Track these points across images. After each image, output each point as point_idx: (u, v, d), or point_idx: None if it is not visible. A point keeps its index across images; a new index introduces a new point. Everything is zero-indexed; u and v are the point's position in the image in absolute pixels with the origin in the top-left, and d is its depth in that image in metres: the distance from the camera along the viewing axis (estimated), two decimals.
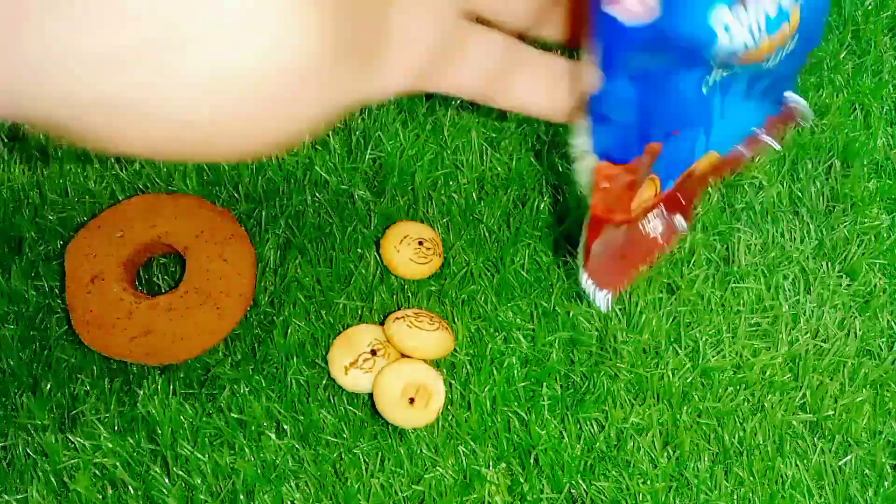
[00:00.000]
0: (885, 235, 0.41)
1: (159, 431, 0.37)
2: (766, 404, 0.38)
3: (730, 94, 0.32)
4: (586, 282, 0.33)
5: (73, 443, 0.37)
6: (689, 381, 0.38)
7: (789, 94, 0.38)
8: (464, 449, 0.37)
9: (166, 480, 0.37)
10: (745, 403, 0.38)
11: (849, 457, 0.37)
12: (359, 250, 0.41)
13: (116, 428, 0.38)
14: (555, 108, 0.32)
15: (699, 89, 0.30)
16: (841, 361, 0.39)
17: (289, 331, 0.39)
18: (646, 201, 0.34)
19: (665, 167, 0.33)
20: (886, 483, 0.37)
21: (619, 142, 0.30)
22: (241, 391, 0.38)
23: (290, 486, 0.37)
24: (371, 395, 0.38)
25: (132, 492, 0.36)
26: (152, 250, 0.41)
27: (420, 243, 0.40)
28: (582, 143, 0.31)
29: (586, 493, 0.37)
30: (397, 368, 0.37)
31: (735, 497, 0.37)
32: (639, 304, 0.40)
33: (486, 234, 0.42)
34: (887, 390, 0.38)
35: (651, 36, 0.26)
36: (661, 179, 0.33)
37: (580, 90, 0.30)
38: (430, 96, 0.45)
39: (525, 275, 0.41)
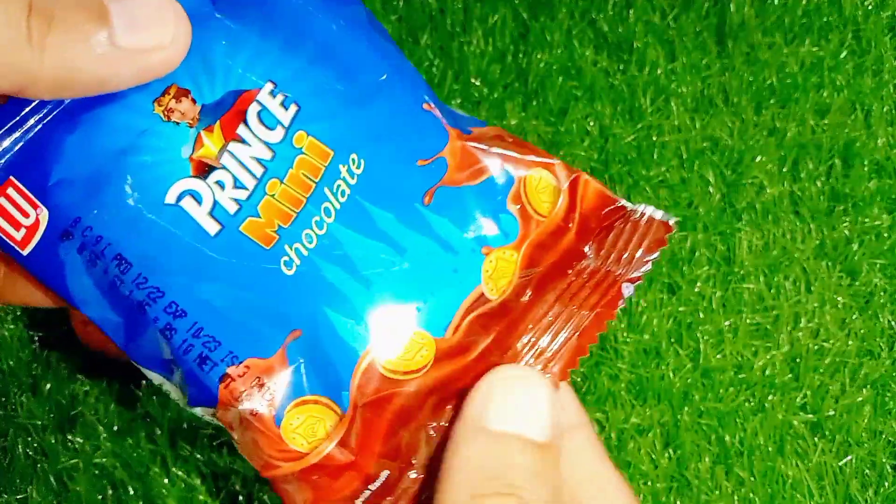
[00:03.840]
0: (885, 235, 0.41)
1: (159, 431, 0.37)
2: (766, 404, 0.38)
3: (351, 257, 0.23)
4: None
5: (73, 443, 0.37)
6: (689, 381, 0.38)
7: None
8: None
9: (166, 481, 0.37)
10: (746, 404, 0.38)
11: (849, 457, 0.37)
12: None
13: (116, 428, 0.38)
14: None
15: (278, 275, 0.23)
16: (841, 361, 0.39)
17: None
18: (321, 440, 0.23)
19: (314, 372, 0.23)
20: (886, 483, 0.37)
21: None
22: None
23: None
24: None
25: (132, 492, 0.36)
26: None
27: None
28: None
29: None
30: None
31: (736, 497, 0.37)
32: (640, 304, 0.40)
33: None
34: (888, 390, 0.38)
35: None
36: (331, 397, 0.23)
37: None
38: None
39: None
